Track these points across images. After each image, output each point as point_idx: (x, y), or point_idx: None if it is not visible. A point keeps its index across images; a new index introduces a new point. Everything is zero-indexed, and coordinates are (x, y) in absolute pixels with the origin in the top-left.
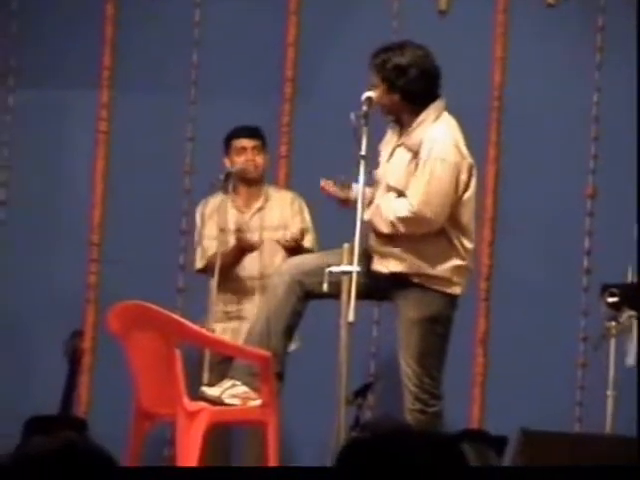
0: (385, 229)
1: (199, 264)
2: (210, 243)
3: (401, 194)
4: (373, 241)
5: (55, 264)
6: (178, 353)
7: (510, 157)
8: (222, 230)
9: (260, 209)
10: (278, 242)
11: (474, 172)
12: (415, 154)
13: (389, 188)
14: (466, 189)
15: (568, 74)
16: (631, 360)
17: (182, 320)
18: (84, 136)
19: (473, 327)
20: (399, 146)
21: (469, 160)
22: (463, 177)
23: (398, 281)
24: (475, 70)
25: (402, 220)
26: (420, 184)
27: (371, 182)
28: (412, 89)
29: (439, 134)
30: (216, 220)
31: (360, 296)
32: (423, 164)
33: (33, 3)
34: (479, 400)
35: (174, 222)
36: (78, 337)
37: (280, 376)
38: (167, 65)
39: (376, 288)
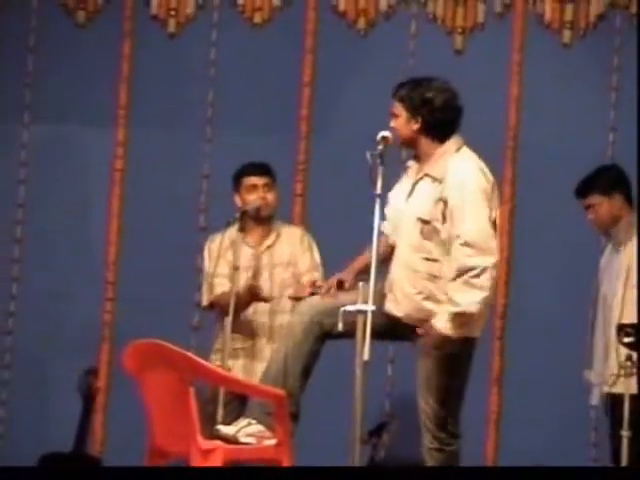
0: (480, 303)
1: (205, 301)
2: (220, 281)
3: (428, 224)
4: (391, 283)
5: (70, 302)
6: (192, 391)
7: (525, 196)
8: (237, 268)
9: (270, 246)
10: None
11: (497, 190)
12: (440, 183)
13: (416, 221)
14: (494, 210)
15: (584, 113)
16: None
17: (196, 358)
18: (100, 174)
19: (488, 365)
20: (421, 179)
21: (492, 179)
22: (492, 201)
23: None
24: (491, 109)
25: (474, 286)
26: (464, 236)
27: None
28: (433, 120)
29: (463, 164)
30: (228, 258)
31: (377, 336)
32: (459, 210)
33: (50, 40)
34: (493, 438)
35: (189, 260)
36: (92, 375)
37: (295, 416)
38: (183, 103)
39: (394, 328)
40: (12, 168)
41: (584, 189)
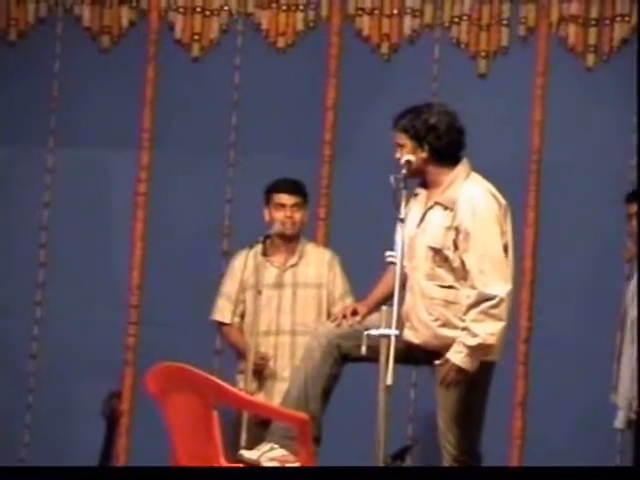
0: (493, 340)
1: (214, 315)
2: (223, 304)
3: (439, 252)
4: (407, 311)
5: (94, 326)
6: (216, 415)
7: (549, 220)
8: (259, 292)
9: (293, 265)
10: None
11: (509, 214)
12: (451, 210)
13: (428, 249)
14: (506, 235)
15: (607, 137)
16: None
17: (220, 382)
18: (123, 197)
19: (512, 390)
20: (431, 208)
21: (504, 203)
22: (505, 225)
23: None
24: (514, 133)
25: (492, 317)
26: (478, 265)
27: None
28: (440, 145)
29: (473, 191)
30: (250, 283)
31: (398, 360)
32: (472, 237)
33: (74, 64)
34: (517, 463)
35: (212, 284)
36: (116, 398)
37: (317, 440)
38: (206, 127)
39: (412, 353)
40: (36, 192)
41: (635, 195)
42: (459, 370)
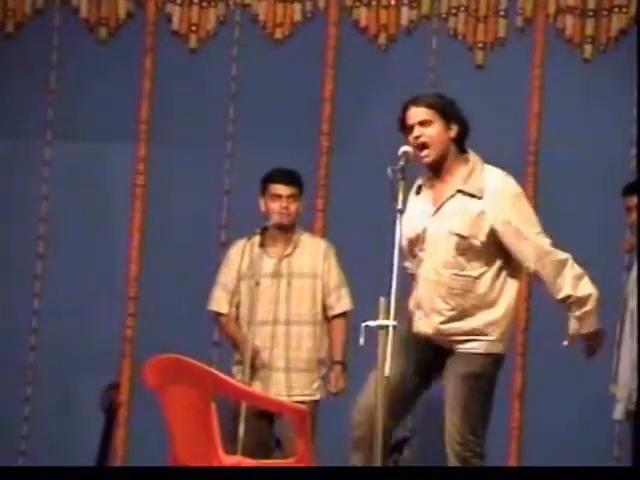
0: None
1: (210, 304)
2: (219, 294)
3: (465, 239)
4: (419, 300)
5: (92, 318)
6: (213, 406)
7: (547, 211)
8: (257, 284)
9: (288, 255)
10: None
11: None
12: (479, 198)
13: (451, 237)
14: None
15: (605, 128)
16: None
17: (218, 373)
18: (121, 189)
19: (510, 381)
20: (452, 197)
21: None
22: None
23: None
24: (511, 124)
25: (580, 273)
26: (538, 250)
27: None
28: (465, 128)
29: (499, 178)
30: (246, 273)
31: (405, 354)
32: (523, 230)
33: (72, 56)
34: (515, 455)
35: (210, 275)
36: (114, 390)
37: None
38: (204, 119)
39: (419, 348)
40: (35, 184)
41: (634, 188)
42: (599, 331)
